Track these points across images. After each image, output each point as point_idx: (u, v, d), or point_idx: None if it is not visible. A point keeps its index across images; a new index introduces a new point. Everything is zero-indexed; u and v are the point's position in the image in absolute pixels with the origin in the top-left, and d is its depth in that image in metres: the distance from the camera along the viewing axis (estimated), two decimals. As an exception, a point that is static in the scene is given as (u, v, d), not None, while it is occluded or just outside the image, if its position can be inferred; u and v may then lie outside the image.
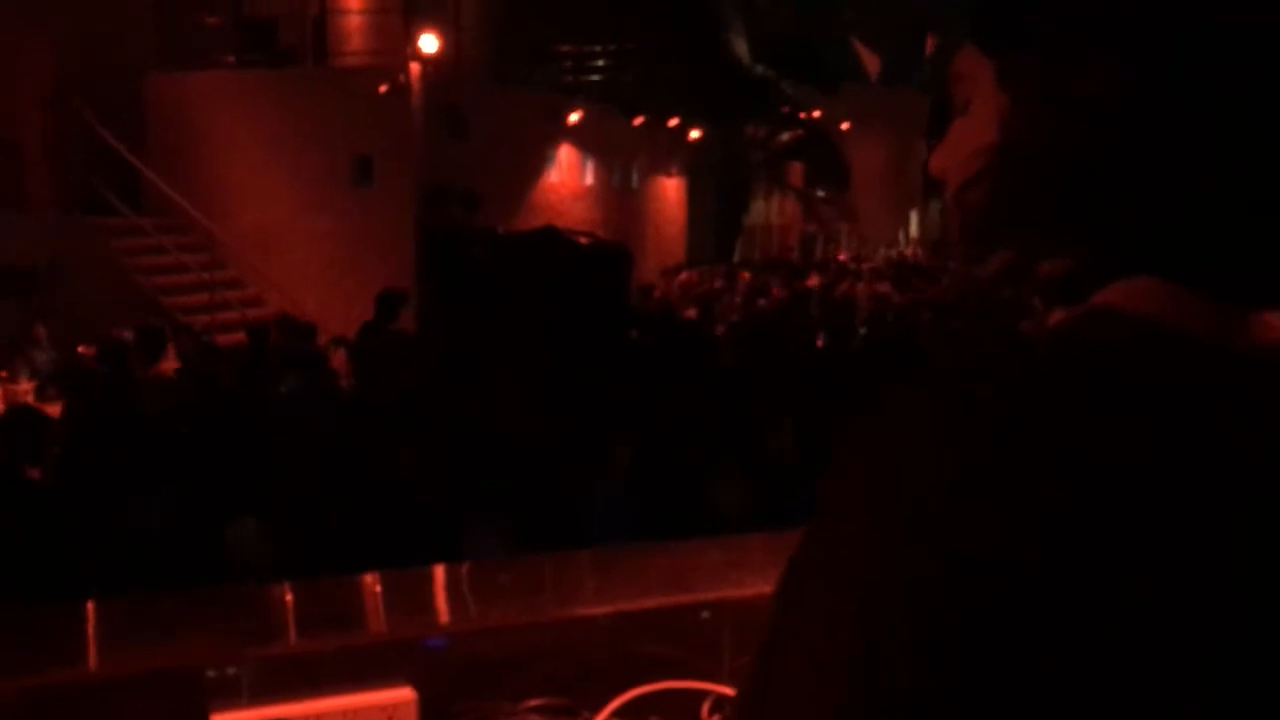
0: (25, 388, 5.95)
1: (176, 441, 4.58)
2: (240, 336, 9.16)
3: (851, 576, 0.58)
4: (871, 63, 24.66)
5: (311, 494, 4.23)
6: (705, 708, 1.41)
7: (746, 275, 16.44)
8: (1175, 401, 0.58)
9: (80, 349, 7.53)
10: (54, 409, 5.97)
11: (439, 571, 1.83)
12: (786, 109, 23.64)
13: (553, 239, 5.36)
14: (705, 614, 1.59)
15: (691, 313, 10.76)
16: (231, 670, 1.28)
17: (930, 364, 0.63)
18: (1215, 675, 0.54)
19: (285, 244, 13.08)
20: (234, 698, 1.26)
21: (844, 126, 24.31)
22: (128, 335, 6.76)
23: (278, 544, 4.02)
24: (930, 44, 21.97)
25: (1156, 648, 0.54)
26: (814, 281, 15.06)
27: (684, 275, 16.91)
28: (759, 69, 22.09)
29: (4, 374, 6.18)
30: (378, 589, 1.72)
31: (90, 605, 1.59)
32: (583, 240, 5.54)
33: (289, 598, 1.67)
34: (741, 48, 22.50)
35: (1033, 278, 0.68)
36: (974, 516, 0.56)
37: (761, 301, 11.34)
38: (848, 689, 0.56)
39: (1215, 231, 0.62)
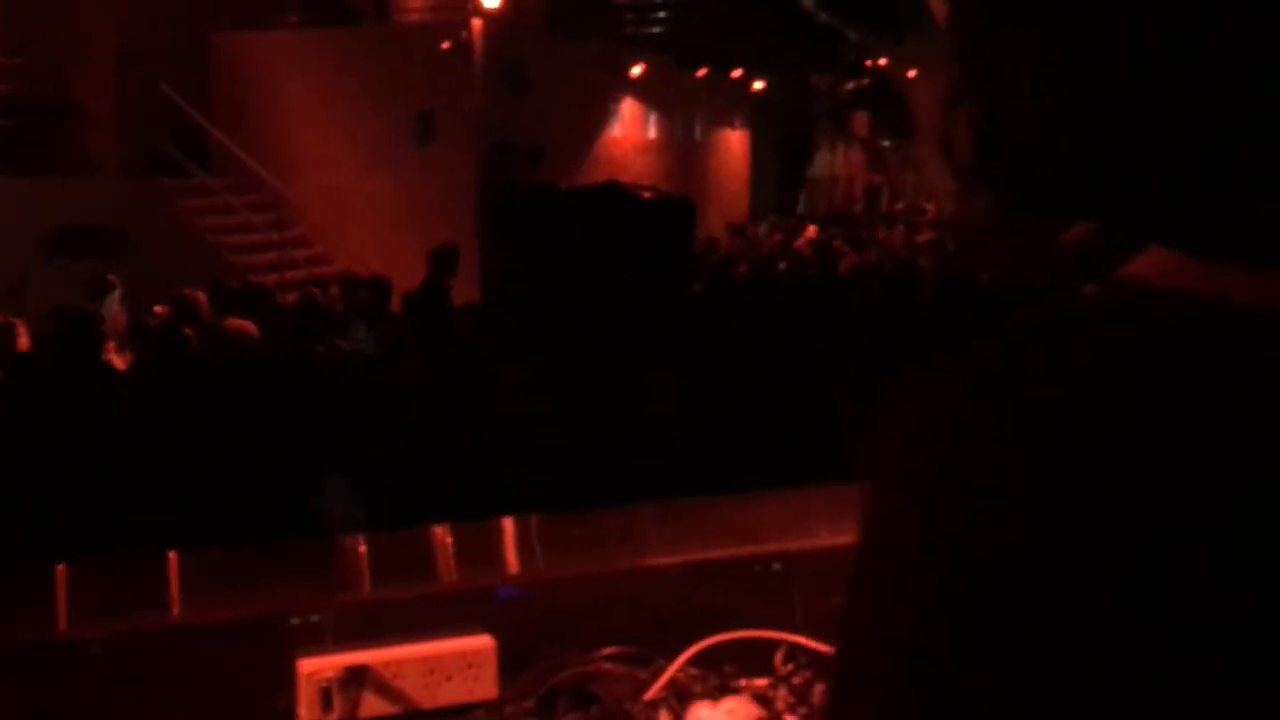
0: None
1: (242, 396, 4.68)
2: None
3: (893, 554, 0.58)
4: (939, 9, 24.11)
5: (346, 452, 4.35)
6: (779, 657, 1.42)
7: (812, 229, 16.30)
8: (1206, 368, 0.56)
9: (156, 308, 7.69)
10: (125, 363, 6.15)
11: (508, 524, 1.85)
12: (851, 58, 23.29)
13: (615, 192, 5.31)
14: (776, 565, 1.59)
15: (743, 269, 10.69)
16: (315, 618, 1.31)
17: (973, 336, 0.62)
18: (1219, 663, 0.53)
19: (349, 202, 13.19)
20: (318, 644, 1.29)
21: (910, 75, 23.92)
22: (199, 293, 6.91)
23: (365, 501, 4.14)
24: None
25: (1159, 623, 0.53)
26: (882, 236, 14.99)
27: (750, 230, 16.82)
28: (823, 17, 21.76)
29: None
30: (449, 540, 1.74)
31: (172, 555, 1.62)
32: (646, 194, 5.48)
33: (362, 549, 1.69)
34: (804, -4, 22.18)
35: (1052, 250, 0.66)
36: (993, 493, 0.55)
37: (844, 263, 11.23)
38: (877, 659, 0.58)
39: (1235, 192, 0.59)
